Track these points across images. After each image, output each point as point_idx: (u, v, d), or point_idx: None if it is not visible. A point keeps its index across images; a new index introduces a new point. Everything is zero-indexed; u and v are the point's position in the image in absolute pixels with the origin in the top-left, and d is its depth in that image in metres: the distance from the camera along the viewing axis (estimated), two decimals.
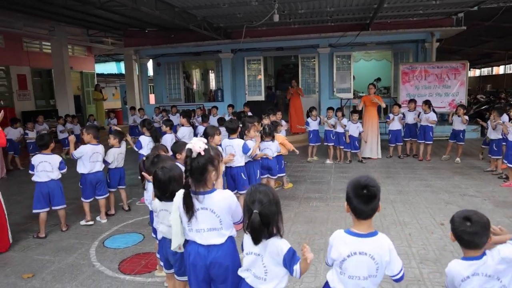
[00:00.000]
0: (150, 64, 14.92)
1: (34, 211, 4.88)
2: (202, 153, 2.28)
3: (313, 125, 8.87)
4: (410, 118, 8.76)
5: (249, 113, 9.81)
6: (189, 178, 2.29)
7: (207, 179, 2.33)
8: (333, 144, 8.64)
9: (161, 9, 8.09)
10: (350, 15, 10.45)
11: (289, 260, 2.08)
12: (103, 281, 3.71)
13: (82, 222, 5.30)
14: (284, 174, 6.51)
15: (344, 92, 12.78)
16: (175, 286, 2.94)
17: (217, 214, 2.32)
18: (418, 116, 8.58)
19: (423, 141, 8.52)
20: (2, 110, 4.60)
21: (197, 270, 2.38)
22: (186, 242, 2.47)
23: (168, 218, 2.62)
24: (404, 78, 11.24)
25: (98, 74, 17.93)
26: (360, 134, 8.35)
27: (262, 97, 13.54)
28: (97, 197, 5.37)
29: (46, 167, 4.83)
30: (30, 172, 4.91)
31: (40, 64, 13.82)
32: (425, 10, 10.03)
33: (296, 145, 10.08)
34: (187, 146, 2.33)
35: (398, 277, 2.06)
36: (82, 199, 5.29)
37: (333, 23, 11.37)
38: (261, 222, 2.02)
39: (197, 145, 2.30)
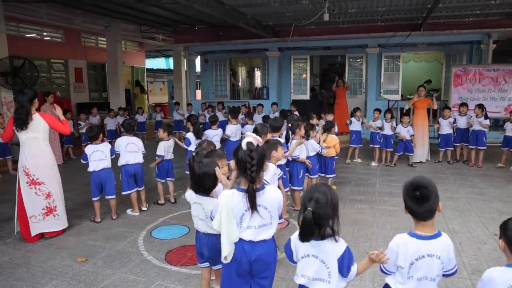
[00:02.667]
0: (198, 60, 15.26)
1: (94, 198, 5.18)
2: (260, 144, 2.35)
3: (356, 125, 8.72)
4: (462, 123, 8.40)
5: (296, 112, 9.79)
6: (254, 173, 2.28)
7: (261, 173, 2.37)
8: (379, 146, 8.45)
9: (212, 7, 8.24)
10: (402, 15, 10.14)
11: (346, 260, 2.06)
12: (150, 270, 3.85)
13: (128, 211, 5.57)
14: (333, 175, 6.37)
15: (392, 94, 12.42)
16: (208, 275, 3.00)
17: (269, 210, 2.36)
18: (470, 119, 8.22)
19: (475, 147, 8.14)
20: (58, 106, 4.90)
21: (239, 266, 2.41)
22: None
23: (200, 212, 2.70)
24: (457, 80, 10.72)
25: (147, 69, 18.57)
26: (412, 136, 8.07)
27: (307, 96, 13.48)
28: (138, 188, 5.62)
29: (99, 156, 5.10)
30: (82, 161, 5.19)
31: (96, 58, 14.53)
32: (482, 10, 9.52)
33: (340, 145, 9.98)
34: (246, 140, 2.34)
35: (452, 271, 2.11)
36: (123, 192, 5.43)
37: (383, 23, 11.07)
38: (314, 221, 1.98)
39: (257, 136, 2.37)
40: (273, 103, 10.97)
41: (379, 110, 8.66)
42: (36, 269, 3.92)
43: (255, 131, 4.70)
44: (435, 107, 8.72)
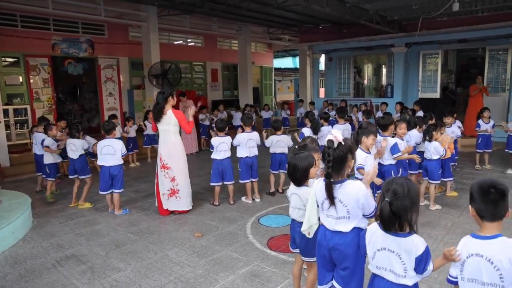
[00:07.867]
0: (322, 59, 15.43)
1: (211, 184, 5.91)
2: (343, 142, 2.44)
3: (485, 128, 7.74)
4: None
5: (420, 112, 9.22)
6: (331, 169, 2.43)
7: (345, 168, 2.47)
8: None
9: (332, 6, 8.34)
10: None
11: (425, 260, 2.03)
12: (252, 251, 4.28)
13: (243, 199, 6.15)
14: (450, 179, 5.95)
15: None
16: (301, 260, 3.20)
17: (344, 204, 2.44)
18: None
19: None
20: (193, 107, 5.75)
21: (321, 250, 2.60)
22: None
23: (298, 201, 2.92)
24: None
25: (275, 68, 19.51)
26: None
27: (437, 95, 12.35)
28: (252, 179, 6.11)
29: (223, 147, 5.80)
30: (211, 150, 5.94)
31: (229, 59, 15.93)
32: None
33: (466, 150, 9.05)
34: (328, 137, 2.48)
35: None
36: (240, 181, 6.03)
37: None
38: (392, 213, 1.98)
39: (338, 135, 2.48)
40: (383, 103, 10.50)
41: None
42: (164, 237, 4.78)
43: (360, 127, 4.74)
44: None
